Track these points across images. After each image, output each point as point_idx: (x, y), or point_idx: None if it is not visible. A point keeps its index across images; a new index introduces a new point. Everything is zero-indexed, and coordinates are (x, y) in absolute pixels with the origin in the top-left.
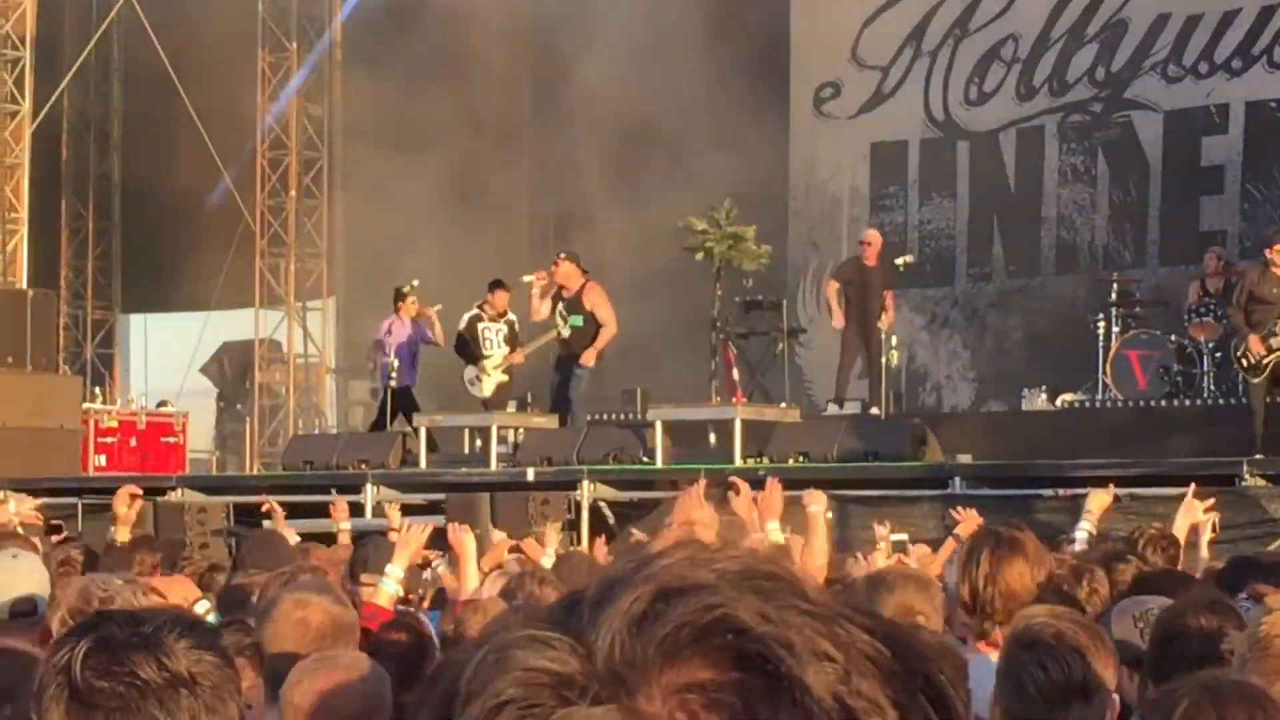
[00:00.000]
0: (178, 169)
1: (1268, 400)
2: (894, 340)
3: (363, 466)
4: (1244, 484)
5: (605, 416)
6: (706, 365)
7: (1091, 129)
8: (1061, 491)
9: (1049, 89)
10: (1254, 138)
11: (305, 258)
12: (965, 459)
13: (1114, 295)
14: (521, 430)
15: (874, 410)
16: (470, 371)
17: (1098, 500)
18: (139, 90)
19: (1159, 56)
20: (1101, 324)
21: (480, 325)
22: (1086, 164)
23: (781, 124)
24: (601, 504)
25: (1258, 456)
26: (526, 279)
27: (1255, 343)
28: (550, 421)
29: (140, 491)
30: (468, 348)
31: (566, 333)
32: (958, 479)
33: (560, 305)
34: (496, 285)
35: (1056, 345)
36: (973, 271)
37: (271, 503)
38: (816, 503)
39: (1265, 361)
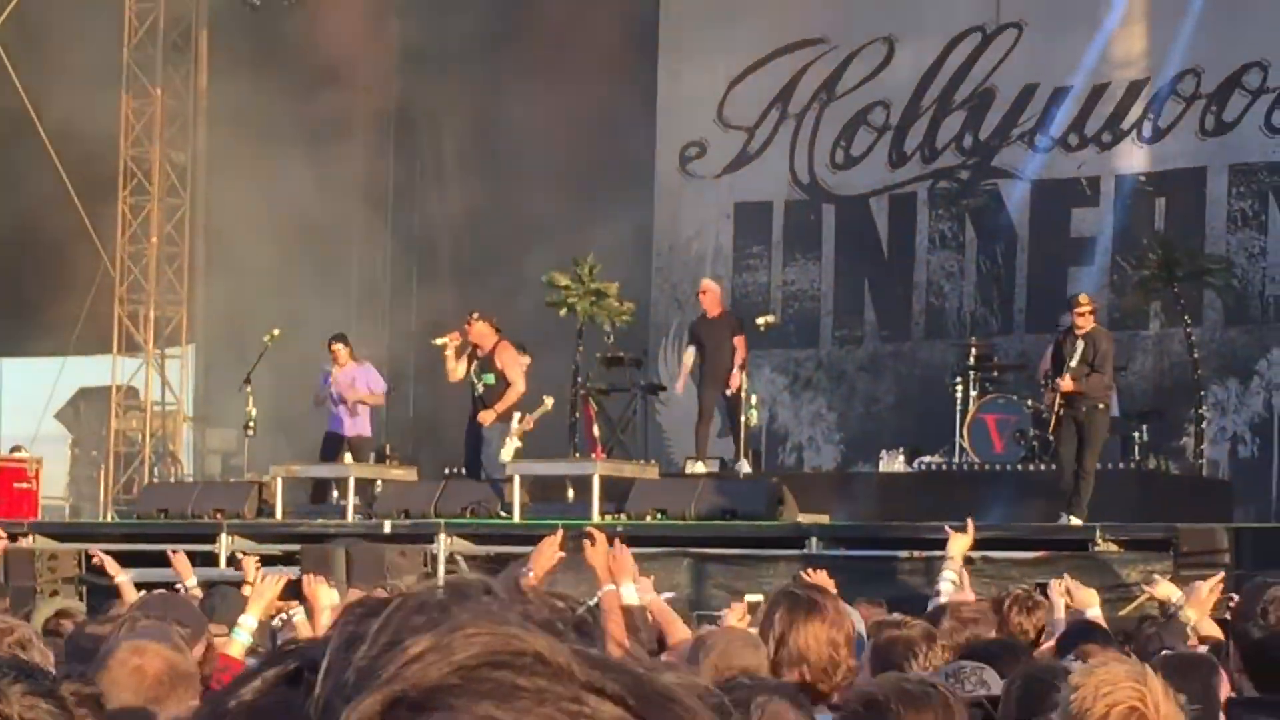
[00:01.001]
0: (37, 212)
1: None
2: (754, 399)
3: (218, 516)
4: (1096, 549)
5: (464, 471)
6: (566, 420)
7: (959, 196)
8: (916, 553)
9: (920, 156)
10: (1124, 211)
11: (165, 305)
12: (822, 519)
13: (971, 359)
14: (379, 482)
15: (743, 464)
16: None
17: (958, 544)
18: None
19: (1026, 126)
20: (960, 387)
21: None
22: (955, 231)
23: (646, 181)
24: (459, 558)
25: (1071, 520)
26: (438, 342)
27: (1048, 394)
28: (408, 474)
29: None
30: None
31: (479, 390)
32: (814, 539)
33: (474, 364)
34: (518, 348)
35: (922, 409)
36: (839, 334)
37: (100, 554)
38: (632, 594)
39: (1055, 411)
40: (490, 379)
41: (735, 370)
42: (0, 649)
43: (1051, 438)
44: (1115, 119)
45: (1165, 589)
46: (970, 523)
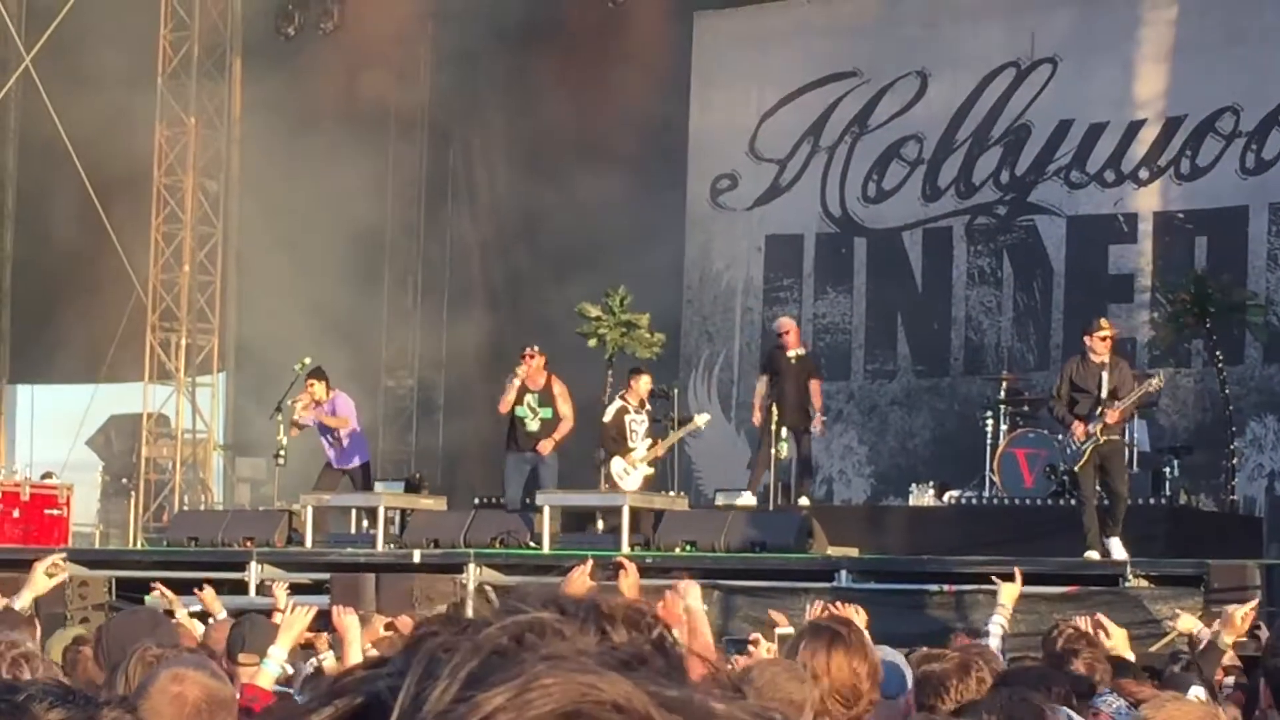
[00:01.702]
0: (70, 240)
1: (1099, 489)
2: (784, 432)
3: (248, 544)
4: (1127, 585)
5: (493, 500)
6: (596, 452)
7: (997, 232)
8: (947, 587)
9: (955, 191)
10: (1163, 248)
11: (197, 333)
12: (851, 553)
13: (1002, 393)
14: (409, 511)
15: (803, 500)
16: (618, 464)
17: (1009, 593)
18: (33, 160)
19: (1062, 162)
20: (990, 422)
21: (627, 417)
22: (993, 266)
23: (678, 213)
24: (488, 588)
25: (1090, 555)
26: (516, 380)
27: (1078, 428)
28: (438, 504)
29: (63, 564)
30: (615, 440)
31: (535, 425)
32: (844, 572)
33: (529, 397)
34: (636, 371)
35: (958, 444)
36: (871, 368)
37: (160, 587)
38: (693, 596)
39: (1084, 447)
40: (549, 413)
41: (818, 415)
42: (2, 665)
43: (1076, 470)
44: (1152, 156)
45: (1188, 622)
46: (1019, 571)
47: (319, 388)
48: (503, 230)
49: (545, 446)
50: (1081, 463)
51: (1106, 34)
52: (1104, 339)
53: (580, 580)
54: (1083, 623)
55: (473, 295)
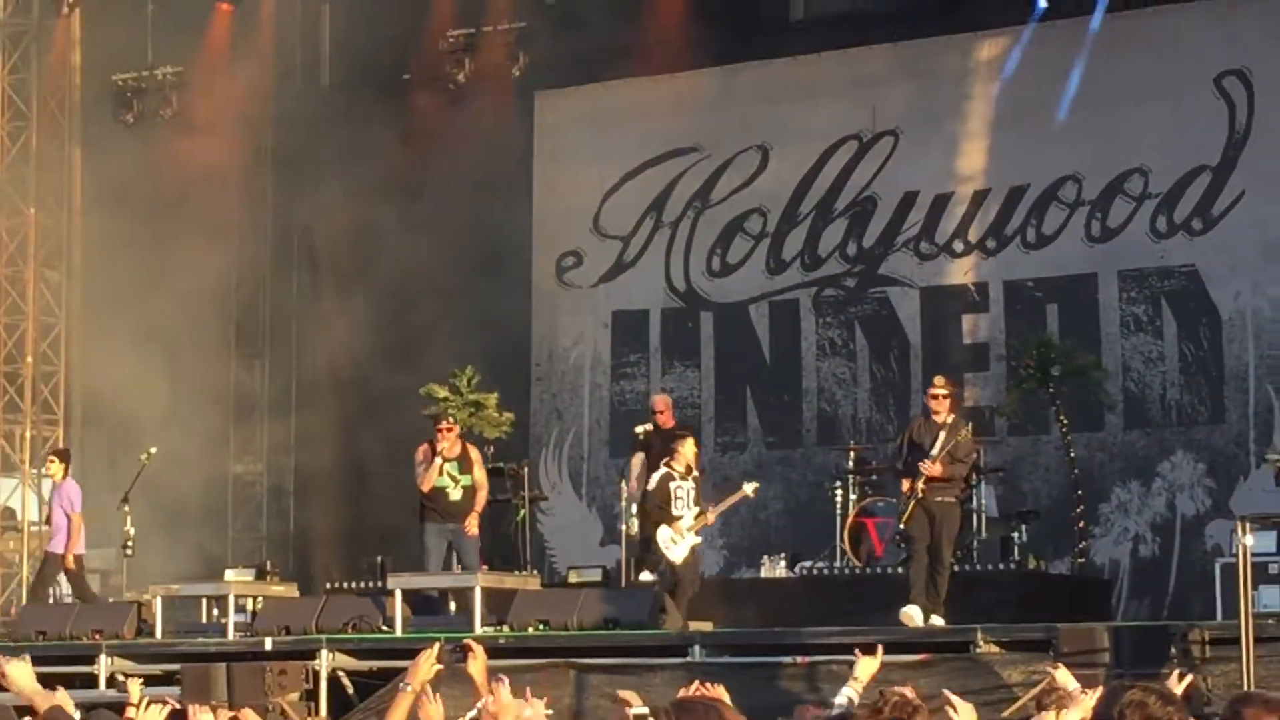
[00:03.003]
0: None
1: (932, 550)
2: (633, 509)
3: (97, 637)
4: (978, 651)
5: (345, 585)
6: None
7: (846, 303)
8: (800, 659)
9: (801, 263)
10: (1015, 316)
11: (42, 424)
12: (705, 626)
13: (850, 463)
14: (259, 598)
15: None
16: (665, 533)
17: (866, 668)
18: None
19: (910, 234)
20: (839, 492)
21: (672, 484)
22: (845, 338)
23: (524, 292)
24: (341, 674)
25: (908, 611)
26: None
27: (905, 484)
28: (289, 590)
29: None
30: (660, 509)
31: (458, 494)
32: (697, 647)
33: (448, 467)
34: (681, 436)
35: (811, 514)
36: (722, 440)
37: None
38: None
39: (908, 502)
40: (468, 480)
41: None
42: None
43: (903, 527)
44: (998, 225)
45: (1064, 676)
46: (880, 647)
47: (57, 468)
48: (349, 311)
49: (472, 525)
50: (905, 518)
51: (946, 106)
52: (934, 397)
53: (428, 665)
54: (909, 691)
55: (319, 379)
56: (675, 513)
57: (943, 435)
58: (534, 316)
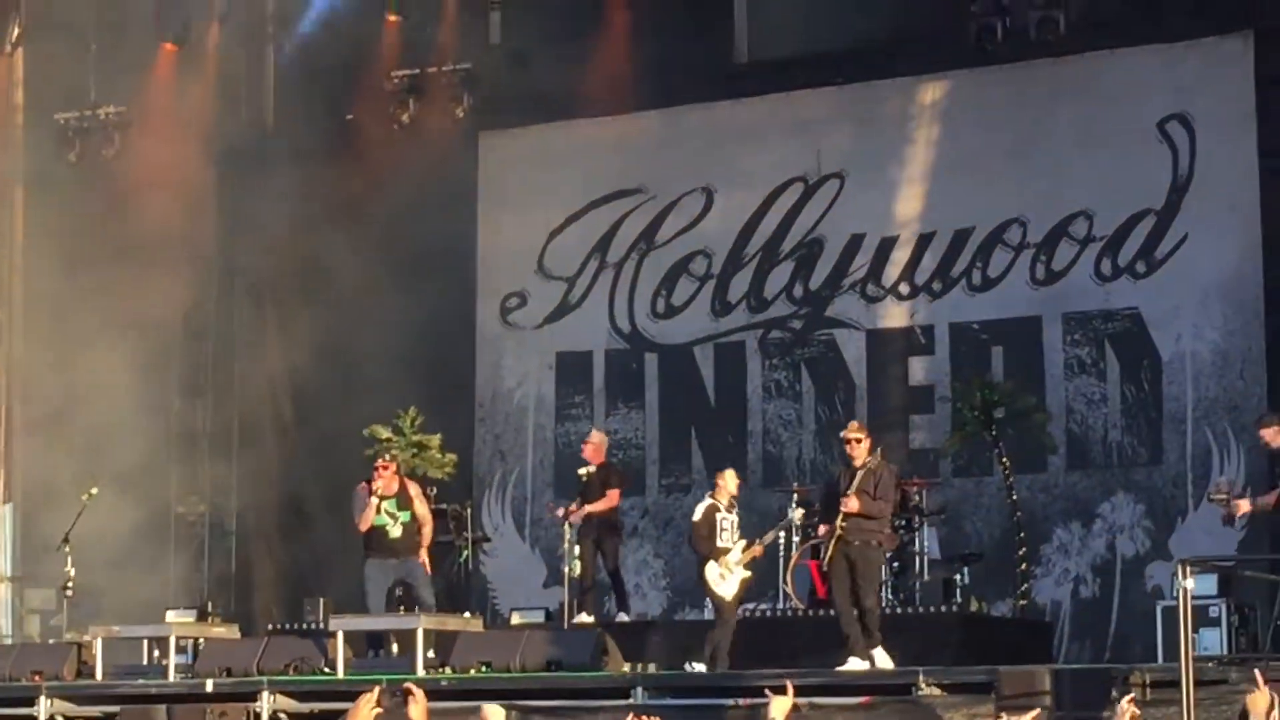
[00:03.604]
0: None
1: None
2: (576, 550)
3: (37, 678)
4: (920, 693)
5: (286, 626)
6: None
7: (793, 345)
8: (742, 701)
9: (747, 305)
10: (960, 358)
11: None
12: (648, 668)
13: (794, 504)
14: (201, 640)
15: (621, 616)
16: (714, 569)
17: (780, 707)
18: None
19: (857, 276)
20: (782, 534)
21: (718, 515)
22: (791, 380)
23: (468, 332)
24: (282, 715)
25: (876, 659)
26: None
27: (822, 529)
28: (230, 631)
29: None
30: (706, 540)
31: (397, 531)
32: (639, 689)
33: (385, 505)
34: (720, 469)
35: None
36: (666, 482)
37: None
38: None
39: (828, 544)
40: (408, 516)
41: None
42: None
43: (825, 570)
44: (944, 268)
45: None
46: (790, 684)
47: None
48: (291, 352)
49: (423, 560)
50: (826, 559)
51: (892, 148)
52: (848, 441)
53: (367, 710)
54: None
55: (262, 419)
56: (721, 544)
57: (859, 476)
58: (478, 357)
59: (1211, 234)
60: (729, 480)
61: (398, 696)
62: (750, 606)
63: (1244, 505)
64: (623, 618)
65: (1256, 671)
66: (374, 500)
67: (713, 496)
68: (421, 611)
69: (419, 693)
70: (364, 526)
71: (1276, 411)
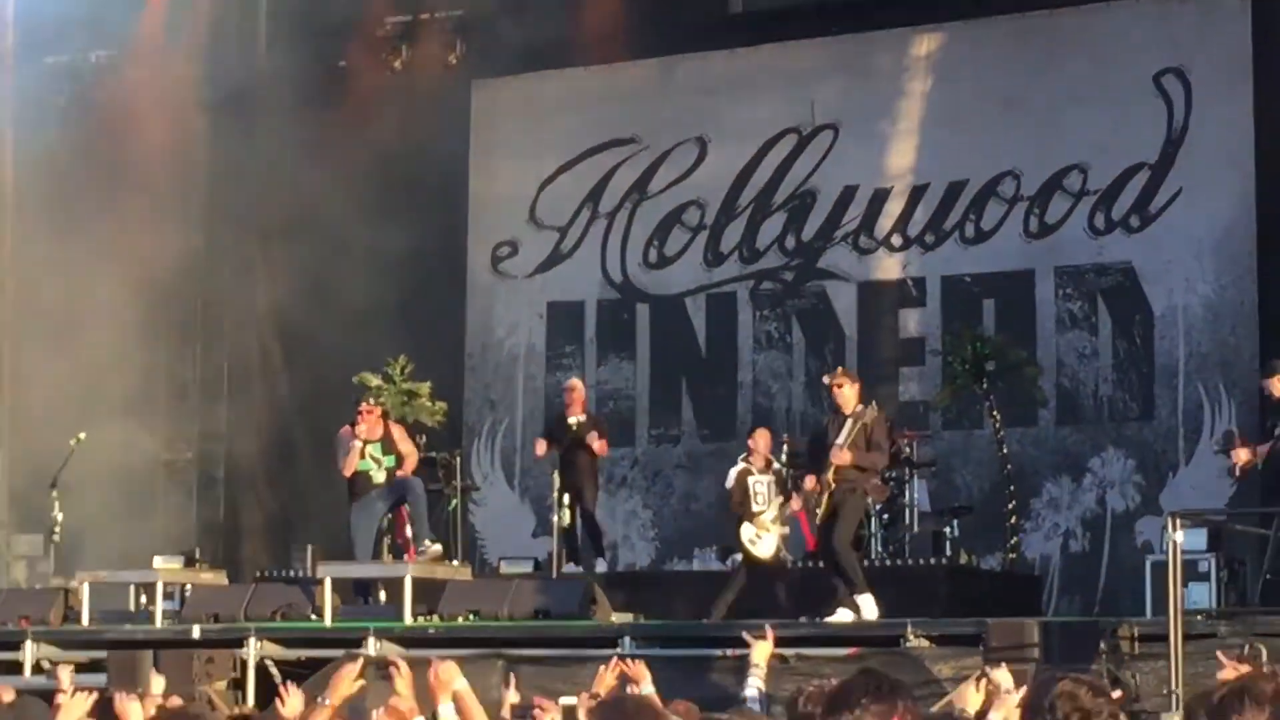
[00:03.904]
0: None
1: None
2: (565, 499)
3: (23, 623)
4: (908, 645)
5: (275, 574)
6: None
7: (785, 296)
8: (730, 651)
9: (739, 256)
10: (951, 311)
11: None
12: (635, 618)
13: (784, 456)
14: (188, 586)
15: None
16: (749, 530)
17: (760, 651)
18: None
19: (849, 228)
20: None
21: (750, 479)
22: (781, 331)
23: (459, 281)
24: (269, 662)
25: (842, 614)
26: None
27: (809, 481)
28: (218, 578)
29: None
30: (740, 505)
31: (381, 476)
32: (627, 639)
33: (369, 449)
34: (754, 428)
35: None
36: (655, 432)
37: None
38: (456, 680)
39: (820, 498)
40: (392, 460)
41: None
42: None
43: (817, 530)
44: (937, 220)
45: (1001, 675)
46: (770, 629)
47: None
48: (280, 299)
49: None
50: (822, 516)
51: (886, 100)
52: (838, 386)
53: (349, 681)
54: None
55: (251, 366)
56: (756, 508)
57: (849, 424)
58: (468, 306)
59: (1206, 189)
60: (760, 441)
61: (382, 670)
62: (738, 557)
63: (1243, 455)
64: (601, 566)
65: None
66: (357, 444)
67: (746, 460)
68: (414, 541)
69: (404, 665)
70: (348, 471)
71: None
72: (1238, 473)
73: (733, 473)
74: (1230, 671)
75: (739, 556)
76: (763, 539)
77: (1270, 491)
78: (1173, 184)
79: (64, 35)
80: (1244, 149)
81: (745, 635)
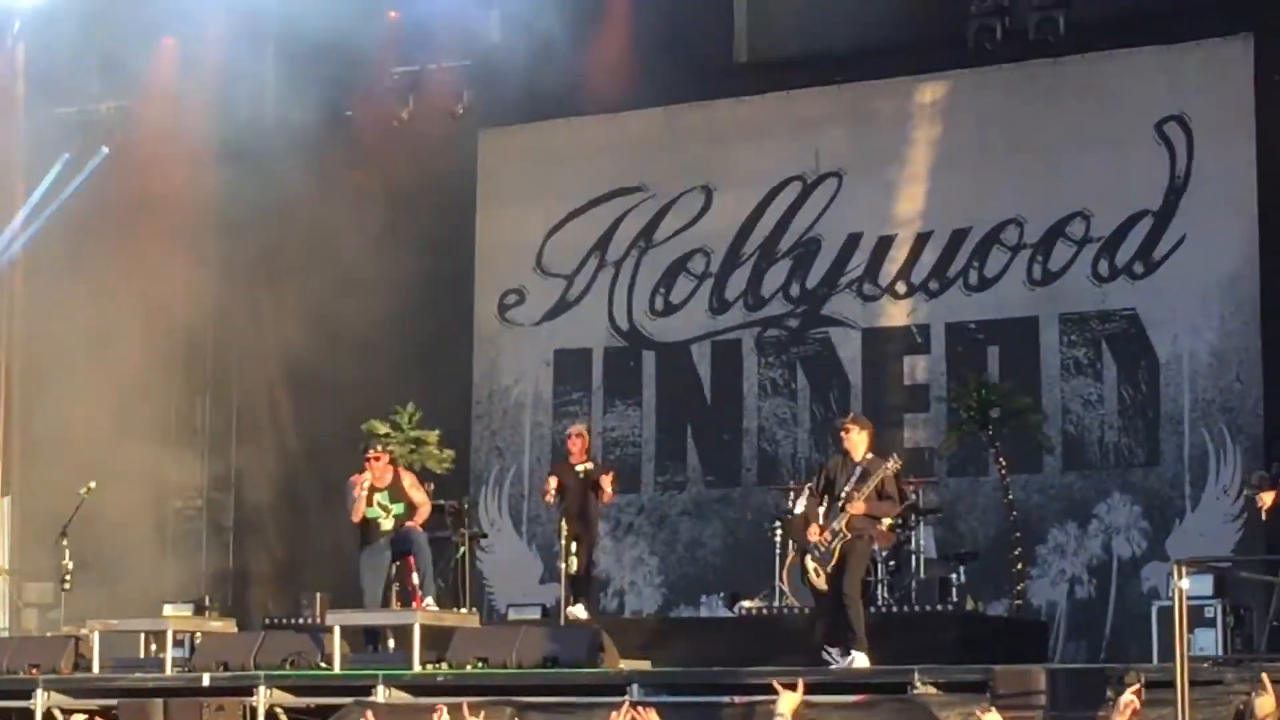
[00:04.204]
0: None
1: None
2: (573, 547)
3: (34, 672)
4: (915, 692)
5: (284, 621)
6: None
7: (789, 344)
8: (738, 699)
9: (744, 303)
10: (956, 358)
11: None
12: (643, 665)
13: (790, 503)
14: (198, 634)
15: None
16: (811, 562)
17: (788, 702)
18: None
19: (854, 275)
20: (779, 532)
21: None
22: (786, 378)
23: (465, 329)
24: (279, 710)
25: (857, 659)
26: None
27: (814, 532)
28: (227, 626)
29: None
30: (802, 535)
31: (389, 524)
32: (635, 686)
33: (378, 497)
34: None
35: (750, 553)
36: (662, 479)
37: None
38: None
39: (832, 547)
40: (401, 508)
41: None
42: None
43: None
44: (941, 267)
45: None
46: (801, 681)
47: None
48: (290, 348)
49: (417, 524)
50: (833, 562)
51: (889, 148)
52: (846, 432)
53: None
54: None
55: (260, 413)
56: None
57: (858, 471)
58: (476, 354)
59: (1209, 236)
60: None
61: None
62: (746, 604)
63: (1267, 498)
64: (581, 613)
65: (1264, 675)
66: (363, 491)
67: (813, 492)
68: (420, 590)
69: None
70: (356, 518)
71: None
72: (1264, 515)
73: (801, 501)
74: (1268, 700)
75: (746, 603)
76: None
77: (1278, 538)
78: (1176, 231)
79: (75, 86)
80: (1247, 195)
81: (775, 683)
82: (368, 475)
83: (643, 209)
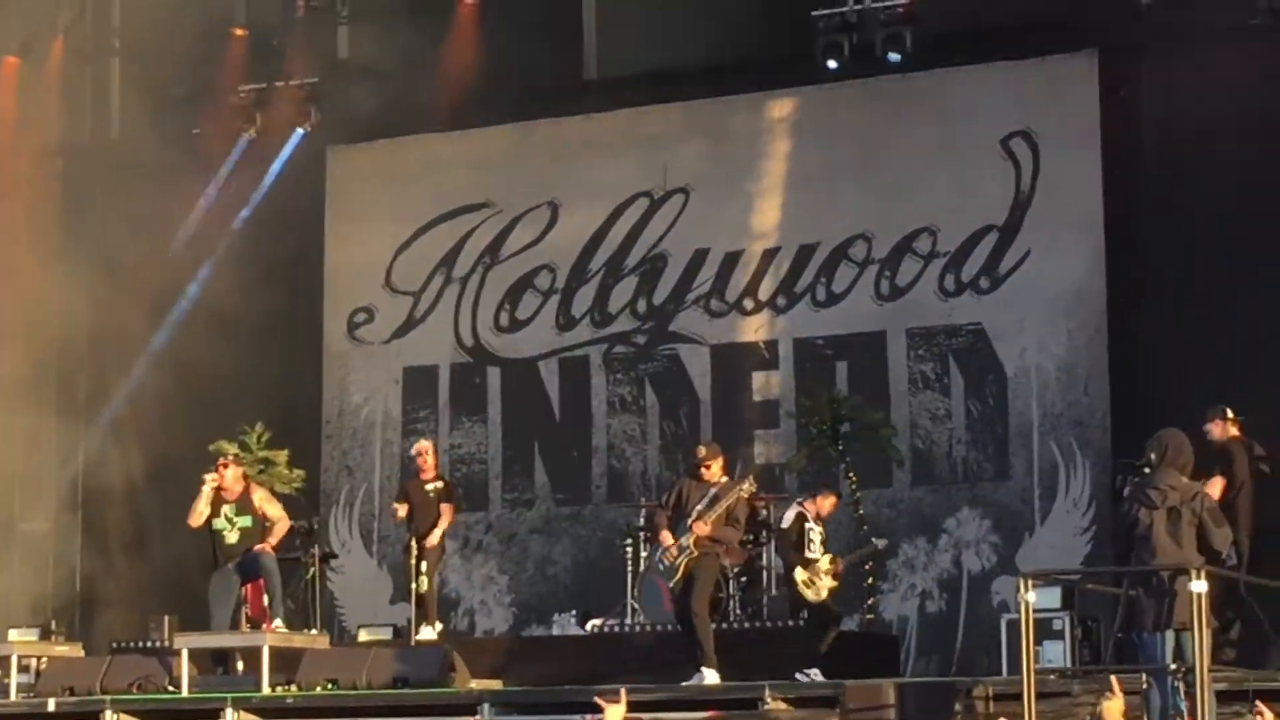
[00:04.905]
0: None
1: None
2: (424, 565)
3: None
4: (765, 708)
5: (131, 644)
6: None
7: (637, 360)
8: (589, 717)
9: (591, 319)
10: (804, 373)
11: None
12: (494, 685)
13: (641, 520)
14: (43, 659)
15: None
16: (802, 574)
17: (613, 715)
18: None
19: (701, 291)
20: (630, 549)
21: (806, 524)
22: (635, 395)
23: (314, 348)
24: None
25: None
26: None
27: (665, 537)
28: (74, 650)
29: None
30: (794, 550)
31: (235, 537)
32: (487, 706)
33: (225, 509)
34: (826, 488)
35: (600, 571)
36: (509, 497)
37: None
38: None
39: (677, 563)
40: (248, 521)
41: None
42: None
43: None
44: (788, 283)
45: None
46: (623, 691)
47: None
48: (138, 367)
49: (268, 546)
50: (677, 578)
51: (737, 164)
52: (703, 464)
53: None
54: None
55: (107, 435)
56: (809, 555)
57: (712, 493)
58: (325, 373)
59: (1055, 250)
60: (825, 503)
61: None
62: (597, 622)
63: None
64: (429, 634)
65: (1112, 679)
66: (207, 490)
67: (802, 505)
68: (270, 612)
69: None
70: (192, 520)
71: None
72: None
73: (790, 514)
74: (1116, 703)
75: (598, 621)
76: (816, 584)
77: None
78: (1021, 245)
79: None
80: (1093, 210)
81: (598, 700)
82: (215, 476)
83: (489, 225)
